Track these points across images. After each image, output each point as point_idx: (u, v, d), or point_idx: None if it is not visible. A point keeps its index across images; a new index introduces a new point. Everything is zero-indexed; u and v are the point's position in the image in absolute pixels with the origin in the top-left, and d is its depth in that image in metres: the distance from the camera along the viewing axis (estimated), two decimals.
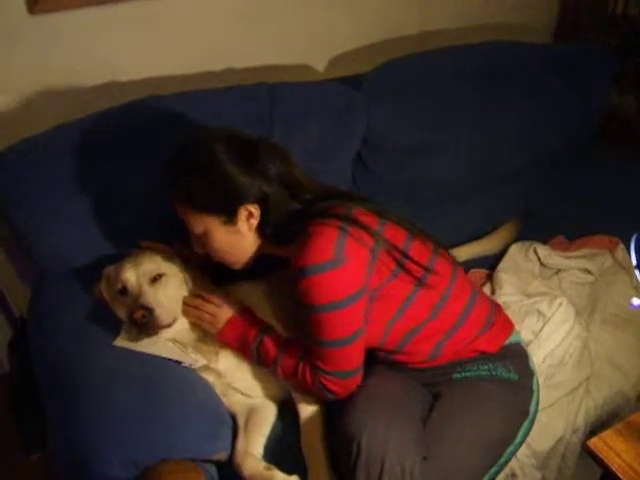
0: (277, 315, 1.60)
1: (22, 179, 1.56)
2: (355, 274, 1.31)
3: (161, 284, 1.49)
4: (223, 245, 1.41)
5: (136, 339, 1.47)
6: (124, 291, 1.48)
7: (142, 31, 1.89)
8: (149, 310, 1.42)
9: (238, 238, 1.41)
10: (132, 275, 1.48)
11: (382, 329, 1.43)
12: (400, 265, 1.37)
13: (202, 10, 1.95)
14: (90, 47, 1.84)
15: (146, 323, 1.42)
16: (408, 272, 1.38)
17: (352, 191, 1.76)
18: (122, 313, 1.51)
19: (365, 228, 1.34)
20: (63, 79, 1.85)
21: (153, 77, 1.97)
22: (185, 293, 1.54)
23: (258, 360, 1.47)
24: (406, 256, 1.38)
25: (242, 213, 1.37)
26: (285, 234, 1.39)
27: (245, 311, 1.51)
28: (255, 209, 1.37)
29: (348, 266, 1.29)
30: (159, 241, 1.63)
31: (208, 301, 1.50)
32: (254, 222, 1.38)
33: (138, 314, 1.42)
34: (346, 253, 1.28)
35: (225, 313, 1.49)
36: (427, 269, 1.41)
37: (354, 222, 1.33)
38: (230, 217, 1.36)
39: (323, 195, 1.43)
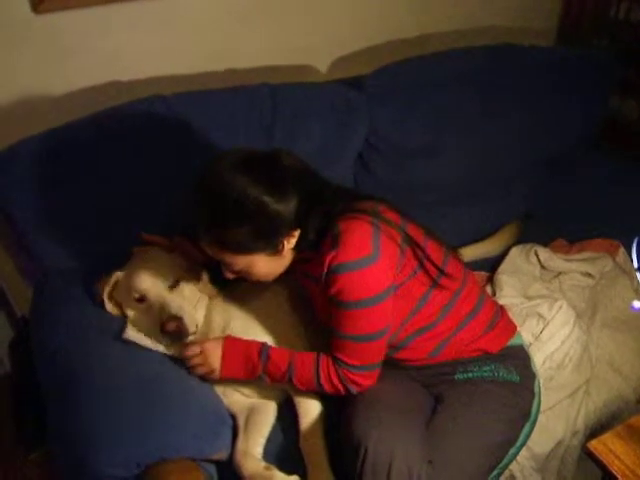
0: (303, 319, 1.62)
1: (24, 178, 1.56)
2: (388, 269, 1.32)
3: (179, 290, 1.51)
4: (265, 271, 1.39)
5: (169, 346, 1.50)
6: (142, 300, 1.50)
7: (145, 31, 1.90)
8: (179, 319, 1.45)
9: (279, 260, 1.39)
10: (151, 285, 1.49)
11: (395, 328, 1.44)
12: (420, 264, 1.39)
13: (204, 10, 1.96)
14: (93, 46, 1.85)
15: (178, 333, 1.45)
16: (426, 272, 1.40)
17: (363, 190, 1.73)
18: (140, 318, 1.52)
19: (392, 224, 1.35)
20: (66, 78, 1.85)
21: (155, 77, 1.97)
22: (197, 291, 1.56)
23: (269, 377, 1.44)
24: (426, 255, 1.39)
25: (285, 239, 1.35)
26: (316, 239, 1.37)
27: (230, 340, 1.47)
28: (295, 231, 1.35)
29: (382, 261, 1.29)
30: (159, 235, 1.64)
31: (190, 352, 1.46)
32: (294, 240, 1.37)
33: (172, 326, 1.44)
34: (381, 248, 1.29)
35: (214, 351, 1.45)
36: (441, 270, 1.42)
37: (382, 218, 1.34)
38: (276, 248, 1.34)
39: (342, 194, 1.43)
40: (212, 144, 1.67)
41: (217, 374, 1.45)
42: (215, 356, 1.44)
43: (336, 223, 1.33)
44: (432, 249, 1.44)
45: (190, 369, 1.46)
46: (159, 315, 1.47)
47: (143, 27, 1.89)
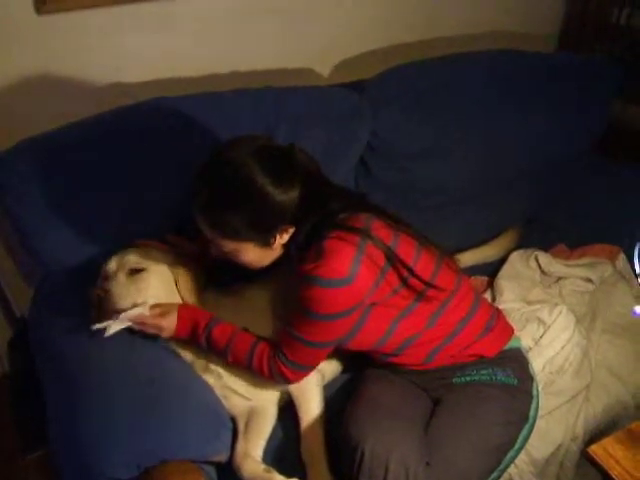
0: (282, 321, 1.61)
1: (26, 179, 1.56)
2: (359, 292, 1.33)
3: (136, 277, 1.48)
4: (251, 260, 1.40)
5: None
6: (106, 279, 1.50)
7: (148, 33, 1.90)
8: (106, 291, 1.44)
9: (268, 252, 1.40)
10: (114, 264, 1.50)
11: (378, 336, 1.45)
12: (403, 282, 1.38)
13: (208, 13, 1.96)
14: (96, 48, 1.85)
15: (101, 302, 1.43)
16: (410, 288, 1.39)
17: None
18: None
19: (380, 245, 1.34)
20: (69, 79, 1.85)
21: (159, 79, 1.97)
22: (172, 292, 1.53)
23: (208, 344, 1.46)
24: (412, 273, 1.38)
25: (278, 234, 1.36)
26: (304, 242, 1.38)
27: (185, 309, 1.48)
28: (291, 228, 1.36)
29: (356, 285, 1.30)
30: (155, 238, 1.63)
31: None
32: (286, 237, 1.38)
33: (96, 291, 1.44)
34: (358, 273, 1.30)
35: (170, 315, 1.45)
36: (429, 284, 1.41)
37: (371, 238, 1.34)
38: (268, 241, 1.36)
39: (343, 202, 1.42)
40: (215, 147, 1.67)
41: (167, 335, 1.47)
42: (170, 320, 1.45)
43: (324, 238, 1.33)
44: (423, 262, 1.43)
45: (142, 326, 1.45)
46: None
47: (146, 29, 1.89)
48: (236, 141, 1.34)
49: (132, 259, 1.50)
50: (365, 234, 1.34)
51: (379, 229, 1.39)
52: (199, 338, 1.46)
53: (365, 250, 1.32)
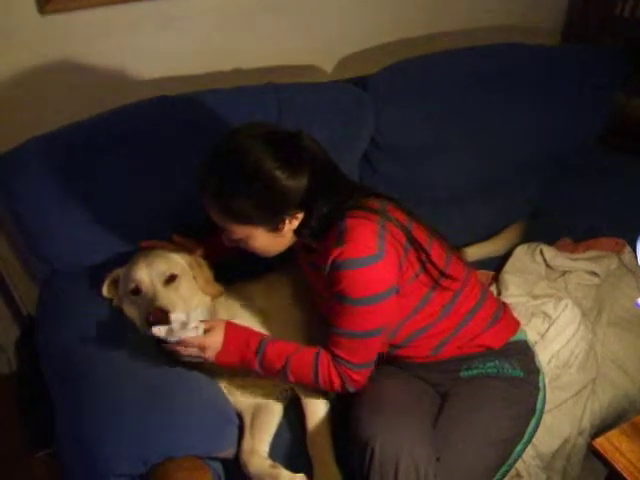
0: (306, 317, 1.63)
1: (31, 178, 1.57)
2: (391, 270, 1.32)
3: (175, 286, 1.51)
4: (262, 246, 1.40)
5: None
6: (137, 291, 1.50)
7: (151, 31, 1.90)
8: (165, 312, 1.43)
9: (279, 239, 1.39)
10: (146, 276, 1.49)
11: (394, 325, 1.44)
12: (423, 266, 1.39)
13: (211, 10, 1.96)
14: (99, 47, 1.86)
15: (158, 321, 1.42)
16: (428, 273, 1.40)
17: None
18: (132, 312, 1.52)
19: (399, 225, 1.35)
20: (72, 79, 1.86)
21: (162, 77, 1.98)
22: (196, 290, 1.55)
23: (263, 372, 1.42)
24: (429, 258, 1.39)
25: (288, 219, 1.35)
26: (320, 229, 1.38)
27: (233, 326, 1.45)
28: (300, 213, 1.36)
29: (386, 261, 1.30)
30: (160, 238, 1.64)
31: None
32: (296, 222, 1.37)
33: (155, 317, 1.42)
34: (386, 249, 1.30)
35: (215, 335, 1.40)
36: (443, 272, 1.42)
37: (389, 218, 1.34)
38: (277, 225, 1.35)
39: (353, 188, 1.44)
40: (223, 134, 1.67)
41: (210, 361, 1.42)
42: (215, 343, 1.39)
43: (343, 219, 1.33)
44: (436, 250, 1.44)
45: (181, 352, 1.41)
46: (148, 306, 1.46)
47: (149, 27, 1.89)
48: (243, 127, 1.34)
49: (162, 268, 1.51)
50: (383, 213, 1.34)
51: (394, 211, 1.39)
52: (252, 359, 1.40)
53: (386, 227, 1.32)
